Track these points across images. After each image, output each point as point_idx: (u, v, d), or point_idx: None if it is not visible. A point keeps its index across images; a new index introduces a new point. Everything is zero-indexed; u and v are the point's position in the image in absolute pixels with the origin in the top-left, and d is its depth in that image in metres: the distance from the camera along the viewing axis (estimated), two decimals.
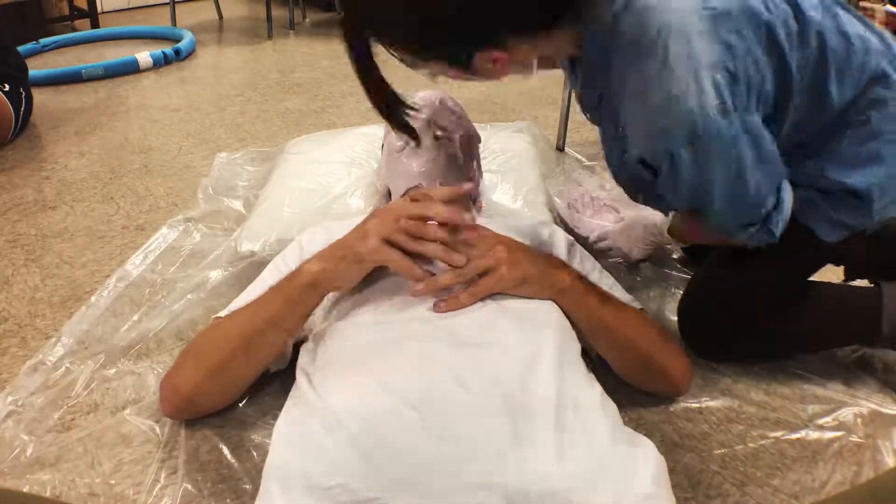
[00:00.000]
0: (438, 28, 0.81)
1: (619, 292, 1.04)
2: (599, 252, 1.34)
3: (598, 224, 1.39)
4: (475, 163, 1.24)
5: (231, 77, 2.66)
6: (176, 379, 0.94)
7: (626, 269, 1.38)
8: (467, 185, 0.89)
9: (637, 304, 1.04)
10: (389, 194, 1.24)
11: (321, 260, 0.87)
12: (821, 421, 1.03)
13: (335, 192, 1.41)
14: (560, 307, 0.90)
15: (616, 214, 1.48)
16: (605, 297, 0.95)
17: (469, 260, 0.86)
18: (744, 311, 1.07)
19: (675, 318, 1.17)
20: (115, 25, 3.34)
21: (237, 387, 0.98)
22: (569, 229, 1.44)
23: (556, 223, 1.42)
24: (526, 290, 0.87)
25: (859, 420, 1.03)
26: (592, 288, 0.94)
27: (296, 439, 0.73)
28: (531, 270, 0.88)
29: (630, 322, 0.96)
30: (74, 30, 3.30)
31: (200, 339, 0.96)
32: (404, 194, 1.15)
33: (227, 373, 0.93)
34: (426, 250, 0.84)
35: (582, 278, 0.93)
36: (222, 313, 0.98)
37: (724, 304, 1.08)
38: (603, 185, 1.58)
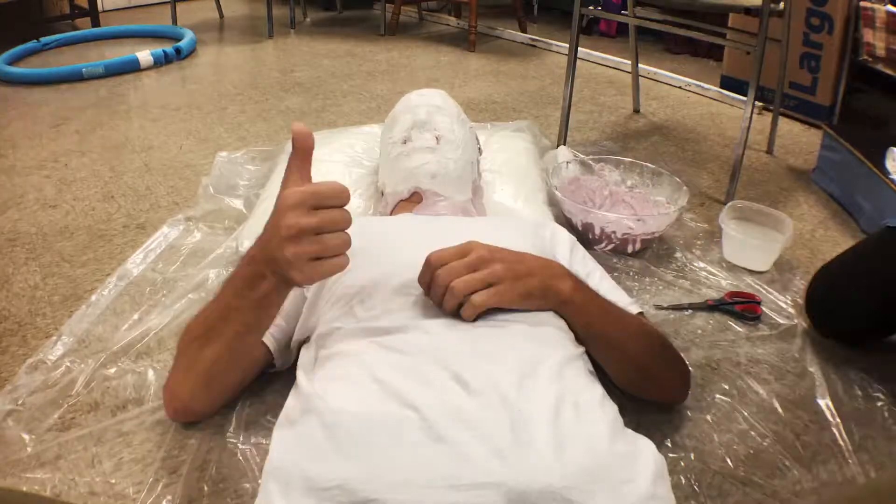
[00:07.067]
0: None
1: (619, 295, 1.04)
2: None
3: (614, 217, 1.39)
4: (473, 162, 1.24)
5: (232, 76, 2.66)
6: (173, 384, 0.95)
7: (618, 262, 1.39)
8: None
9: (637, 308, 1.03)
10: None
11: (267, 261, 0.81)
12: (821, 420, 1.03)
13: None
14: (560, 315, 0.90)
15: (632, 210, 1.49)
16: (606, 307, 0.93)
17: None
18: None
19: (666, 313, 1.16)
20: (115, 24, 3.34)
21: (227, 390, 0.97)
22: (570, 225, 1.45)
23: (557, 218, 1.43)
24: (528, 304, 0.86)
25: (859, 419, 1.03)
26: (593, 297, 0.92)
27: (295, 440, 0.73)
28: (533, 283, 0.86)
29: (630, 332, 0.95)
30: (75, 28, 3.30)
31: (185, 338, 0.94)
32: (409, 197, 1.15)
33: (214, 379, 0.93)
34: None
35: (582, 287, 0.91)
36: None
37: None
38: (624, 181, 1.58)
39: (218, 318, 0.88)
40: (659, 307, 1.29)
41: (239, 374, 0.96)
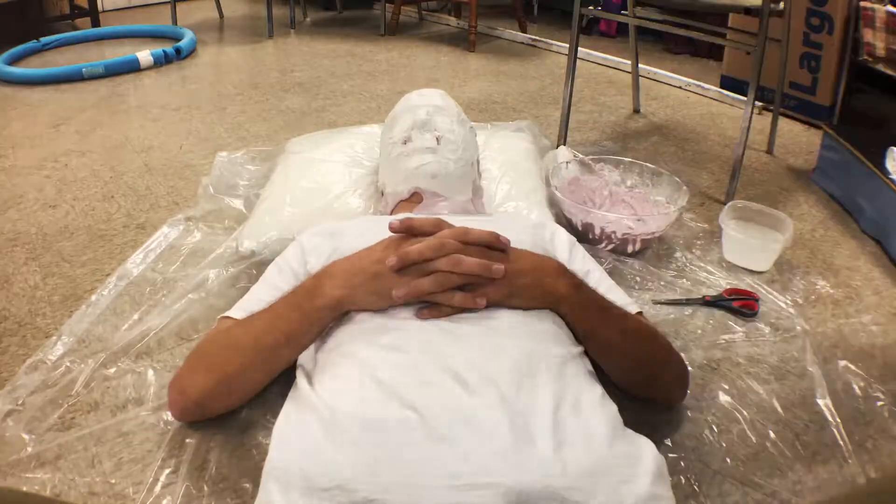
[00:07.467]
0: None
1: (618, 294, 1.04)
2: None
3: (614, 217, 1.39)
4: (473, 163, 1.24)
5: (232, 76, 2.66)
6: (184, 383, 0.94)
7: (618, 262, 1.39)
8: (505, 238, 0.87)
9: (635, 308, 1.03)
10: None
11: (345, 285, 0.85)
12: (821, 420, 1.03)
13: (336, 192, 1.41)
14: (558, 314, 0.89)
15: (632, 210, 1.49)
16: (603, 306, 0.93)
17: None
18: None
19: (666, 312, 1.13)
20: (115, 24, 3.34)
21: (247, 394, 0.97)
22: (570, 225, 1.45)
23: (557, 218, 1.43)
24: (526, 302, 0.86)
25: (859, 419, 1.03)
26: (591, 296, 0.92)
27: (295, 440, 0.73)
28: (530, 280, 0.86)
29: (629, 331, 0.94)
30: (75, 28, 3.30)
31: (211, 344, 0.95)
32: (409, 197, 1.15)
33: (238, 382, 0.93)
34: (447, 299, 0.84)
35: (579, 287, 0.90)
36: (231, 313, 0.98)
37: None
38: (624, 181, 1.58)
39: (261, 329, 0.89)
40: (656, 302, 1.29)
41: (264, 382, 0.96)
